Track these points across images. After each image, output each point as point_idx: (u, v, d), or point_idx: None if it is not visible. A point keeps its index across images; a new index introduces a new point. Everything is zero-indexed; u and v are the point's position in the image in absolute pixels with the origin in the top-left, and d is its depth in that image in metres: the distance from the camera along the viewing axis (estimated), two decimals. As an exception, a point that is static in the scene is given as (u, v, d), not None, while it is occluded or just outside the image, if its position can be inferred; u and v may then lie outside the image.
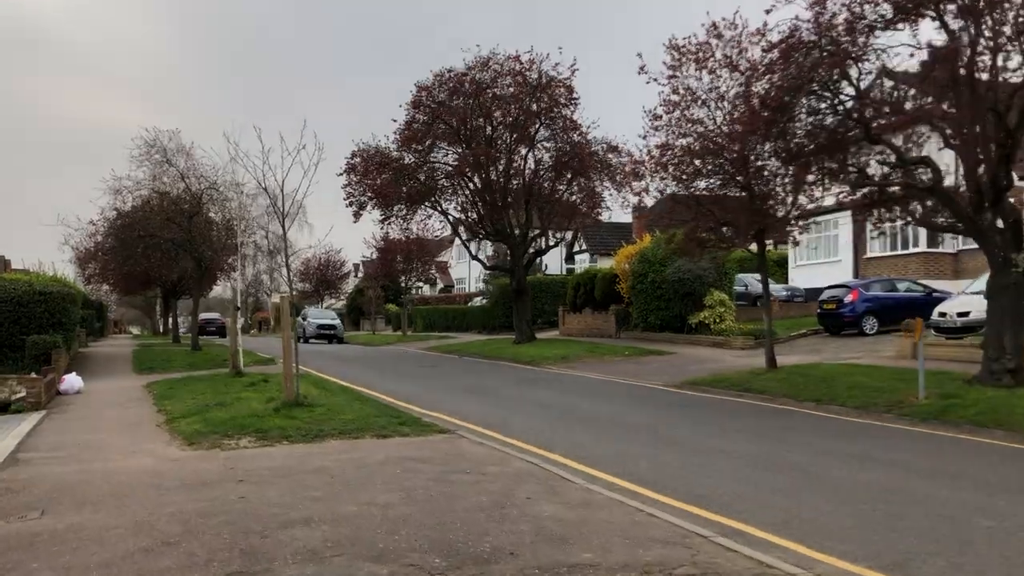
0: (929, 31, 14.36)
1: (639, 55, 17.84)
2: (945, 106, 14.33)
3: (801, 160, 16.24)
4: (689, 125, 18.09)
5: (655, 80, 18.13)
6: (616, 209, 34.00)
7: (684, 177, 18.30)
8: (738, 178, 17.90)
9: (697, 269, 28.59)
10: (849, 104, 15.13)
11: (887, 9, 14.48)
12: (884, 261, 34.04)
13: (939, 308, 22.51)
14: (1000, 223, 14.41)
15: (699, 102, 17.87)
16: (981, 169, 14.12)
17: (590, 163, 29.44)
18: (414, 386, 19.40)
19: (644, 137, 19.02)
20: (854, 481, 8.68)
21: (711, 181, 18.43)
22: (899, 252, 33.39)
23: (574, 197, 31.04)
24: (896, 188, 16.13)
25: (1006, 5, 13.64)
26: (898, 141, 15.00)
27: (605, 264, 44.17)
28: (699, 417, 14.12)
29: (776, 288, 37.06)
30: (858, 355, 21.91)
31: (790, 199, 17.63)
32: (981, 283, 23.25)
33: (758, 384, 17.30)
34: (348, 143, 40.06)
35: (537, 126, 29.86)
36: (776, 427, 12.84)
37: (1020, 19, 13.46)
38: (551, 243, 34.23)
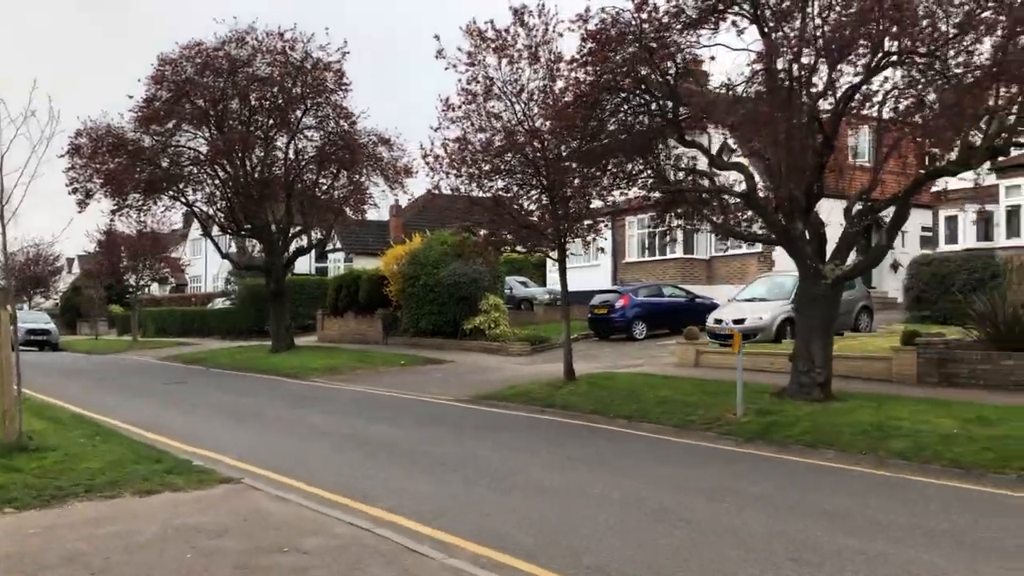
0: (753, 32, 13.81)
1: (437, 37, 16.11)
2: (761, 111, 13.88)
3: (607, 160, 15.34)
4: (487, 119, 16.65)
5: (453, 67, 16.51)
6: (384, 207, 32.00)
7: (480, 174, 16.83)
8: (540, 179, 16.71)
9: (473, 272, 27.37)
10: (664, 104, 14.36)
11: (693, 8, 13.84)
12: (642, 266, 34.78)
13: (714, 315, 22.82)
14: (807, 234, 14.24)
15: (497, 94, 16.47)
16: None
17: (360, 156, 27.20)
18: (166, 411, 16.38)
19: (437, 129, 17.32)
20: (747, 532, 7.52)
21: (509, 180, 17.09)
22: (657, 257, 34.21)
23: (339, 192, 28.59)
24: (693, 193, 15.68)
25: (808, 10, 13.37)
26: (732, 144, 14.42)
27: (366, 264, 41.89)
28: (522, 444, 12.67)
29: (538, 291, 36.92)
30: (638, 362, 21.65)
31: (591, 201, 16.70)
32: (753, 289, 23.96)
33: (561, 399, 16.19)
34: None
35: (300, 112, 27.13)
36: (612, 454, 11.64)
37: (825, 26, 13.20)
38: (314, 241, 31.43)
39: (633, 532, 7.52)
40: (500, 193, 17.12)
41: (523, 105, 16.54)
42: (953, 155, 12.96)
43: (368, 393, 19.15)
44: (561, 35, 15.76)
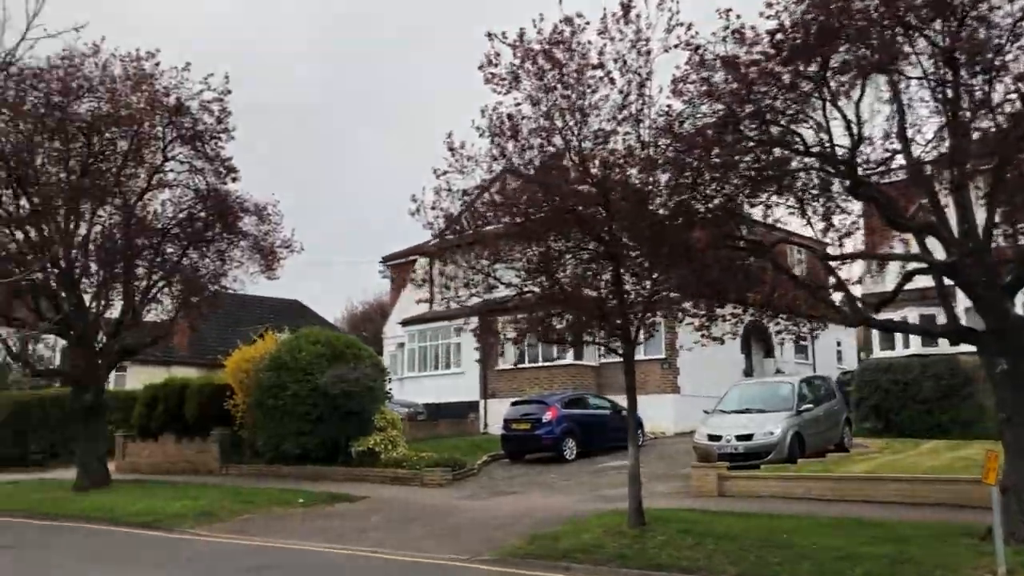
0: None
1: (490, 34, 11.27)
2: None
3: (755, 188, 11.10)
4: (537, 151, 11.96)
5: (500, 81, 11.67)
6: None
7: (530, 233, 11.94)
8: (601, 247, 12.18)
9: (364, 377, 21.62)
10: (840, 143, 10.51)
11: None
12: (521, 373, 30.23)
13: (706, 431, 18.76)
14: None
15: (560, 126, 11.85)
16: None
17: (235, 223, 20.76)
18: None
19: (443, 174, 12.30)
20: None
21: (559, 247, 12.28)
22: (540, 364, 29.94)
23: (206, 270, 21.65)
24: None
25: None
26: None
27: (186, 373, 33.47)
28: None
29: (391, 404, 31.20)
30: (617, 491, 17.11)
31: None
32: (733, 399, 20.29)
33: (652, 554, 11.17)
34: None
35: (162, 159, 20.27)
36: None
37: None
38: (149, 338, 23.37)
39: None
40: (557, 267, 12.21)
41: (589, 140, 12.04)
42: None
43: (304, 551, 12.92)
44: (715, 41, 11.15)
